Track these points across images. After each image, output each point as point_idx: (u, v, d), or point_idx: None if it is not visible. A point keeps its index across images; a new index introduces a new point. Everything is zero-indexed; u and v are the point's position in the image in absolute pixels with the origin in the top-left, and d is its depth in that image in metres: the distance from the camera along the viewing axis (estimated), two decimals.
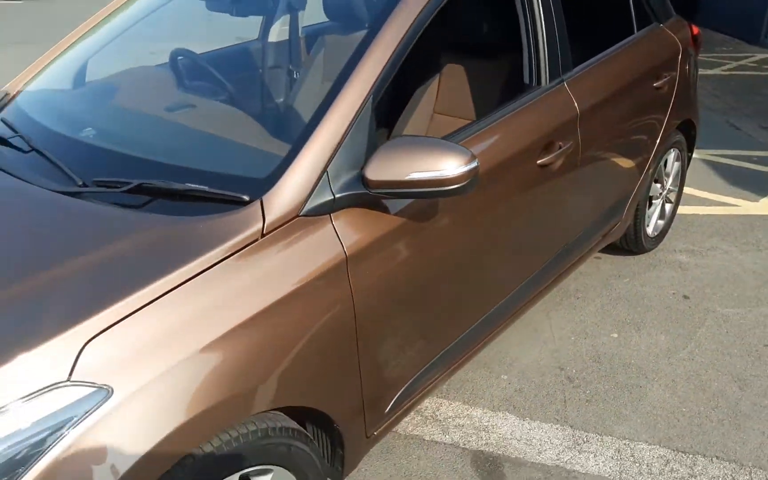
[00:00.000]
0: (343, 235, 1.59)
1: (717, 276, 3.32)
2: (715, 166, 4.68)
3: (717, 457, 2.26)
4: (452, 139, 1.86)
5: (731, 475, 2.18)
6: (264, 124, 2.03)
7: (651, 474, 2.19)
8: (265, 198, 1.48)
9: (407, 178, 1.55)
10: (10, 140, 1.84)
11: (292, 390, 1.50)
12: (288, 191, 1.50)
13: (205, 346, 1.32)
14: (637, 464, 2.23)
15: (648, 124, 2.95)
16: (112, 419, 1.19)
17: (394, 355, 1.83)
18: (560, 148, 2.29)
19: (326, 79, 2.23)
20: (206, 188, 1.50)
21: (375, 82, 1.68)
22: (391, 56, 1.73)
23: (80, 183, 1.58)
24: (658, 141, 3.05)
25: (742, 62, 7.74)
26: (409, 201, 1.75)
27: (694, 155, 4.43)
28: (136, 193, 1.53)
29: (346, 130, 1.60)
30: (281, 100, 2.57)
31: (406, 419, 2.40)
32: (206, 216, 1.45)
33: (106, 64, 2.33)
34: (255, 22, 2.87)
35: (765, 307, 3.07)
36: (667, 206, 3.53)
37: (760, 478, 2.17)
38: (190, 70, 2.31)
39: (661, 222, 3.50)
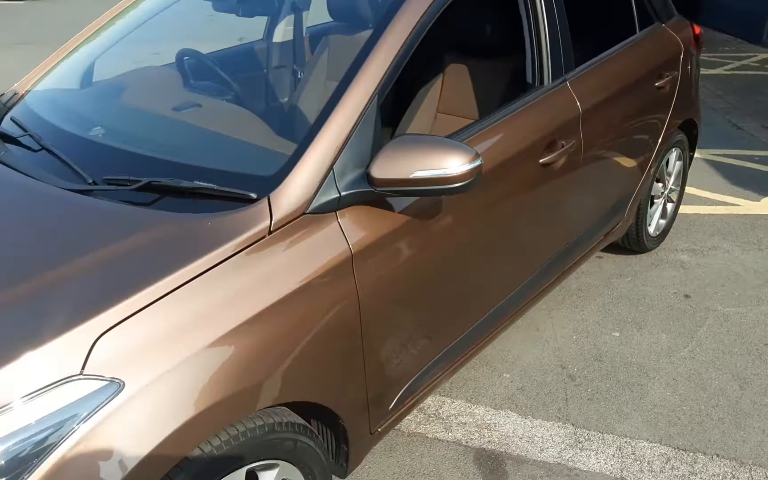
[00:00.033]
0: (348, 232, 1.61)
1: (718, 275, 3.33)
2: (717, 166, 4.69)
3: (717, 455, 2.27)
4: (456, 139, 1.88)
5: (731, 473, 2.20)
6: (270, 123, 2.05)
7: (652, 471, 2.21)
8: (272, 196, 1.50)
9: (412, 176, 1.57)
10: (20, 139, 1.86)
11: (299, 385, 1.52)
12: (295, 189, 1.53)
13: (214, 341, 1.34)
14: (638, 462, 2.25)
15: (650, 123, 2.97)
16: (123, 412, 1.21)
17: (397, 351, 1.85)
18: (562, 147, 2.31)
19: (331, 79, 2.25)
20: (214, 186, 1.52)
21: (380, 82, 1.70)
22: (395, 56, 1.75)
23: (90, 181, 1.60)
24: (659, 140, 3.07)
25: (745, 62, 7.75)
26: (413, 199, 1.77)
27: (695, 155, 4.44)
28: (146, 190, 1.55)
29: (351, 129, 1.62)
30: (287, 99, 2.59)
31: (409, 417, 2.42)
32: (215, 213, 1.48)
33: (113, 65, 2.35)
34: (256, 22, 2.89)
35: (766, 306, 3.08)
36: (669, 205, 3.55)
37: (760, 476, 2.19)
38: (196, 70, 2.33)
39: (662, 221, 3.52)
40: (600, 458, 2.26)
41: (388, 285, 1.72)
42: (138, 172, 1.60)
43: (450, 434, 2.36)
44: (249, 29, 2.94)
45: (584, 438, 2.34)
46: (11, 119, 2.02)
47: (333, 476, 1.84)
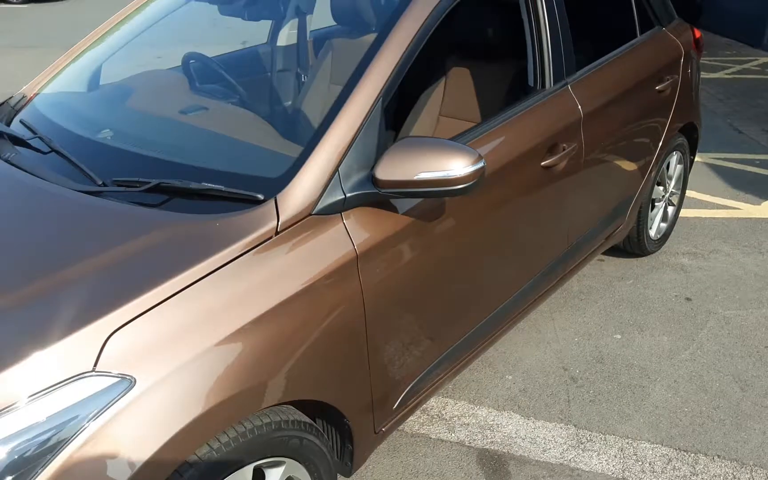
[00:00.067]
0: (353, 233, 1.63)
1: (719, 278, 3.35)
2: (718, 170, 4.71)
3: (718, 456, 2.29)
4: (458, 141, 1.90)
5: (732, 474, 2.22)
6: (276, 125, 2.08)
7: (653, 472, 2.23)
8: (279, 197, 1.53)
9: (416, 177, 1.60)
10: (29, 141, 1.89)
11: (305, 384, 1.55)
12: (301, 190, 1.55)
13: (222, 339, 1.36)
14: (640, 463, 2.27)
15: (650, 126, 2.99)
16: (134, 409, 1.24)
17: (401, 352, 1.88)
18: (564, 150, 2.34)
19: (336, 82, 2.28)
20: (222, 187, 1.55)
21: (384, 85, 1.73)
22: (399, 60, 1.78)
23: (100, 183, 1.63)
24: (660, 144, 3.10)
25: (746, 66, 7.77)
26: (417, 201, 1.80)
27: (696, 158, 4.47)
28: (155, 192, 1.58)
29: (356, 132, 1.65)
30: (293, 102, 2.62)
31: (413, 418, 2.44)
32: (222, 214, 1.50)
33: (120, 68, 2.38)
34: (255, 25, 2.92)
35: (766, 309, 3.10)
36: (670, 209, 3.57)
37: (761, 477, 2.21)
38: (203, 73, 2.36)
39: (663, 224, 3.54)
40: (602, 459, 2.28)
41: (392, 285, 1.75)
42: (146, 174, 1.63)
43: (453, 435, 2.37)
44: (250, 32, 2.97)
45: (586, 439, 2.36)
46: (20, 122, 2.05)
47: (338, 475, 1.86)
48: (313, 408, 1.68)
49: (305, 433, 1.57)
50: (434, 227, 1.86)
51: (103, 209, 1.55)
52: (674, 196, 3.56)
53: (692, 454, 2.30)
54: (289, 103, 2.67)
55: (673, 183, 3.48)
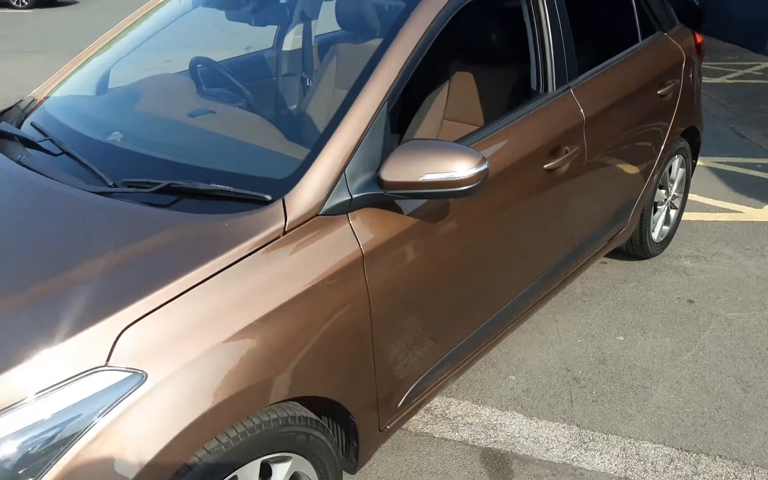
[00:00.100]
0: (359, 233, 1.66)
1: (721, 281, 3.37)
2: (720, 174, 4.73)
3: (720, 456, 2.31)
4: (462, 144, 1.93)
5: (734, 474, 2.24)
6: (283, 128, 2.11)
7: (656, 471, 2.25)
8: (286, 197, 1.56)
9: (421, 179, 1.63)
10: (40, 143, 1.92)
11: (312, 380, 1.57)
12: (308, 191, 1.58)
13: (231, 336, 1.40)
14: (642, 462, 2.28)
15: (652, 130, 3.02)
16: (145, 403, 1.27)
17: (406, 350, 1.90)
18: (566, 153, 2.36)
19: (341, 86, 2.32)
20: (231, 188, 1.58)
21: (390, 89, 1.76)
22: (404, 64, 1.81)
23: (111, 183, 1.67)
24: (662, 147, 3.12)
25: (748, 71, 7.80)
26: (421, 202, 1.83)
27: (699, 162, 4.50)
28: (164, 193, 1.61)
29: (362, 134, 1.68)
30: (299, 105, 2.66)
31: (417, 417, 2.47)
32: (231, 215, 1.53)
33: (128, 72, 2.42)
34: (262, 32, 2.96)
35: None
36: (672, 212, 3.59)
37: (762, 477, 2.22)
38: (210, 77, 2.40)
39: (666, 227, 3.56)
40: (604, 458, 2.30)
41: (397, 285, 1.77)
42: (156, 176, 1.66)
43: (457, 434, 2.40)
44: (255, 38, 3.01)
45: (589, 438, 2.38)
46: (31, 124, 2.09)
47: (343, 473, 1.88)
48: (319, 405, 1.71)
49: (311, 429, 1.60)
50: (439, 228, 1.89)
51: (115, 209, 1.59)
52: (676, 199, 3.58)
53: (694, 454, 2.31)
54: (296, 106, 2.71)
55: (675, 186, 3.50)
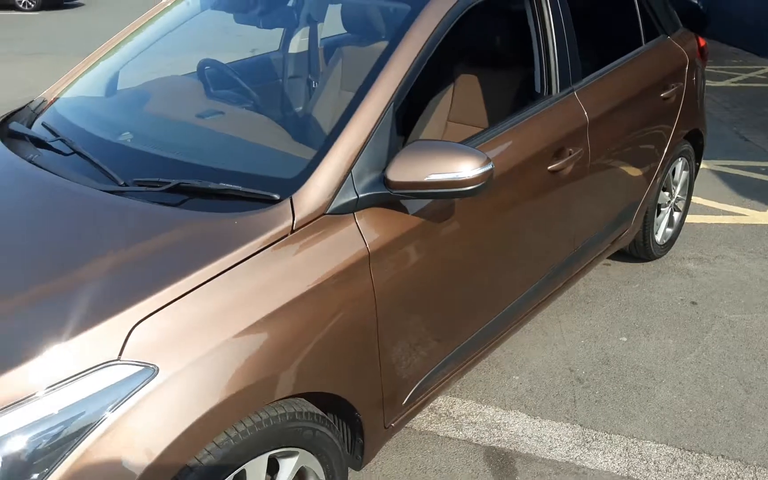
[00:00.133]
0: (365, 232, 1.69)
1: (724, 283, 3.39)
2: (724, 177, 4.75)
3: (722, 456, 2.32)
4: (467, 145, 1.96)
5: (736, 473, 2.25)
6: (291, 128, 2.15)
7: (658, 471, 2.26)
8: (294, 196, 1.59)
9: (426, 179, 1.65)
10: (51, 143, 1.96)
11: (318, 376, 1.60)
12: (315, 191, 1.61)
13: (240, 332, 1.42)
14: (645, 461, 2.30)
15: (655, 133, 3.04)
16: (156, 396, 1.30)
17: (411, 348, 1.93)
18: (570, 154, 2.39)
19: (347, 88, 2.35)
20: (240, 187, 1.61)
21: (395, 91, 1.79)
22: (410, 67, 1.84)
23: (122, 183, 1.70)
24: (665, 150, 3.14)
25: (752, 74, 7.81)
26: (426, 202, 1.85)
27: (703, 165, 4.51)
28: (174, 192, 1.64)
29: (368, 135, 1.71)
30: (307, 106, 2.69)
31: (421, 416, 2.49)
32: (240, 213, 1.56)
33: (136, 74, 2.46)
34: (267, 34, 2.99)
35: None
36: (676, 214, 3.61)
37: (764, 477, 2.24)
38: (218, 79, 2.43)
39: (669, 230, 3.58)
40: (607, 457, 2.31)
41: (402, 283, 1.80)
42: (166, 175, 1.69)
43: (461, 433, 2.42)
44: (261, 40, 3.04)
45: (592, 438, 2.40)
46: (42, 124, 2.12)
47: (348, 470, 1.91)
48: (325, 402, 1.73)
49: (318, 424, 1.62)
50: (443, 228, 1.92)
51: (126, 208, 1.62)
52: (680, 201, 3.60)
53: (696, 454, 2.33)
54: (302, 107, 2.74)
55: (678, 189, 3.52)
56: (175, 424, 1.32)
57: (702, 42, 3.46)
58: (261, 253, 1.51)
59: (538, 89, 2.42)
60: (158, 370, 1.30)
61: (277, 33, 3.07)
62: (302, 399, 1.62)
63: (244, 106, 2.36)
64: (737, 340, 2.95)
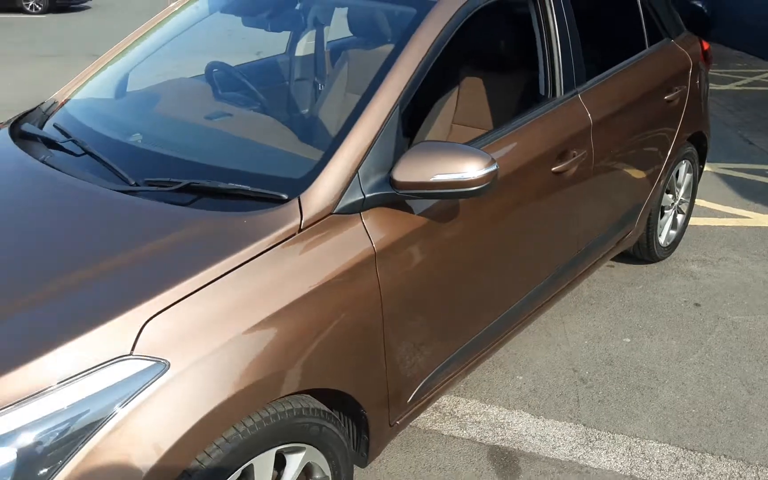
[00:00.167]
0: (372, 232, 1.72)
1: (728, 285, 3.40)
2: (728, 179, 4.76)
3: (725, 456, 2.34)
4: (472, 146, 1.99)
5: (738, 473, 2.27)
6: (298, 130, 2.18)
7: (661, 470, 2.28)
8: (302, 196, 1.62)
9: (432, 179, 1.68)
10: (63, 144, 1.99)
11: (325, 373, 1.63)
12: (323, 191, 1.64)
13: (249, 328, 1.45)
14: (648, 461, 2.32)
15: (659, 135, 3.06)
16: (167, 390, 1.32)
17: (416, 347, 1.95)
18: (574, 156, 2.41)
19: (353, 90, 2.38)
20: (249, 187, 1.64)
21: (402, 93, 1.82)
22: (415, 70, 1.87)
23: (133, 183, 1.73)
24: (669, 152, 3.16)
25: (756, 78, 7.81)
26: (432, 202, 1.88)
27: (707, 168, 4.52)
28: (184, 192, 1.67)
29: (375, 136, 1.74)
30: (315, 107, 2.72)
31: (425, 415, 2.51)
32: (249, 212, 1.59)
33: (144, 77, 2.49)
34: (272, 38, 3.02)
35: None
36: (679, 217, 3.62)
37: (766, 476, 2.25)
38: (227, 82, 2.47)
39: (673, 232, 3.59)
40: (610, 457, 2.33)
41: (408, 282, 1.83)
42: (176, 175, 1.73)
43: (465, 432, 2.44)
44: (265, 43, 3.07)
45: (595, 437, 2.42)
46: (54, 126, 2.16)
47: (354, 467, 1.93)
48: (331, 399, 1.76)
49: (324, 421, 1.65)
50: (448, 228, 1.95)
51: (138, 206, 1.65)
52: (683, 204, 3.61)
53: (699, 454, 2.35)
54: (309, 109, 2.77)
55: (682, 191, 3.54)
56: (186, 418, 1.35)
57: (705, 45, 3.48)
58: (270, 251, 1.54)
59: (542, 92, 2.45)
60: (169, 365, 1.33)
61: (282, 36, 3.11)
62: (309, 395, 1.65)
63: (252, 108, 2.39)
64: (740, 341, 2.96)
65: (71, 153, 1.96)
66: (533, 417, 2.52)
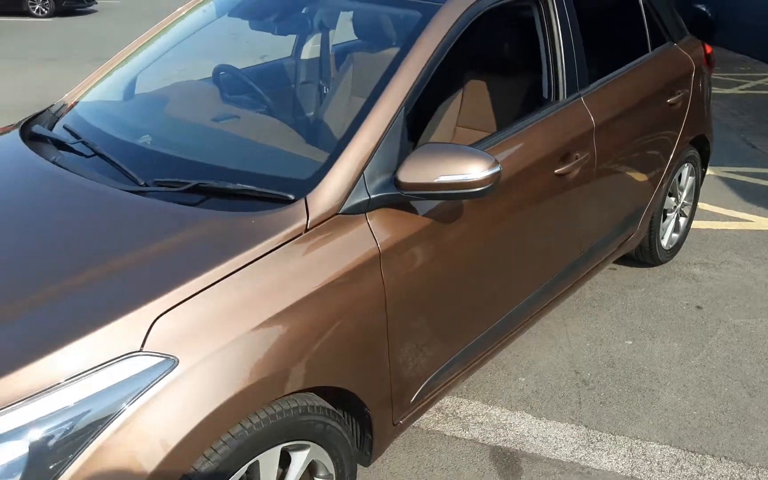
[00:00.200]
0: (377, 232, 1.75)
1: (730, 288, 3.42)
2: (731, 183, 4.77)
3: (725, 457, 2.35)
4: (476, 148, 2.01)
5: (739, 474, 2.28)
6: (304, 132, 2.21)
7: (662, 471, 2.30)
8: (308, 197, 1.65)
9: (436, 180, 1.71)
10: (73, 145, 2.02)
11: (330, 372, 1.65)
12: (329, 191, 1.67)
13: (255, 326, 1.48)
14: (649, 462, 2.34)
15: (662, 138, 3.08)
16: (176, 387, 1.35)
17: (419, 347, 1.98)
18: (577, 159, 2.43)
19: (358, 93, 2.40)
20: (256, 188, 1.67)
21: (406, 96, 1.85)
22: (420, 73, 1.90)
23: (142, 183, 1.76)
24: (671, 155, 3.18)
25: (760, 82, 7.82)
26: (436, 203, 1.91)
27: (710, 172, 4.53)
28: (193, 192, 1.70)
29: (380, 138, 1.77)
30: (321, 110, 2.75)
31: (428, 416, 2.53)
32: (256, 212, 1.62)
33: (153, 80, 2.53)
34: (277, 41, 3.05)
35: None
36: (682, 220, 3.64)
37: (767, 478, 2.27)
38: (234, 84, 2.50)
39: (675, 235, 3.61)
40: (611, 458, 2.35)
41: (412, 282, 1.85)
42: (185, 176, 1.76)
43: (467, 433, 2.46)
44: (270, 47, 3.10)
45: (596, 439, 2.44)
46: (64, 127, 2.19)
47: (357, 467, 1.95)
48: (335, 399, 1.78)
49: (329, 419, 1.67)
50: (452, 229, 1.97)
51: (147, 206, 1.68)
52: (686, 207, 3.63)
53: (700, 455, 2.36)
54: (316, 111, 2.80)
55: (684, 194, 3.55)
56: (193, 415, 1.37)
57: (708, 49, 3.50)
58: (277, 250, 1.57)
59: (545, 95, 2.47)
60: (178, 361, 1.36)
61: (286, 40, 3.14)
62: (313, 394, 1.67)
63: (259, 110, 2.42)
64: (742, 344, 2.97)
65: (81, 154, 1.99)
66: (535, 418, 2.54)
